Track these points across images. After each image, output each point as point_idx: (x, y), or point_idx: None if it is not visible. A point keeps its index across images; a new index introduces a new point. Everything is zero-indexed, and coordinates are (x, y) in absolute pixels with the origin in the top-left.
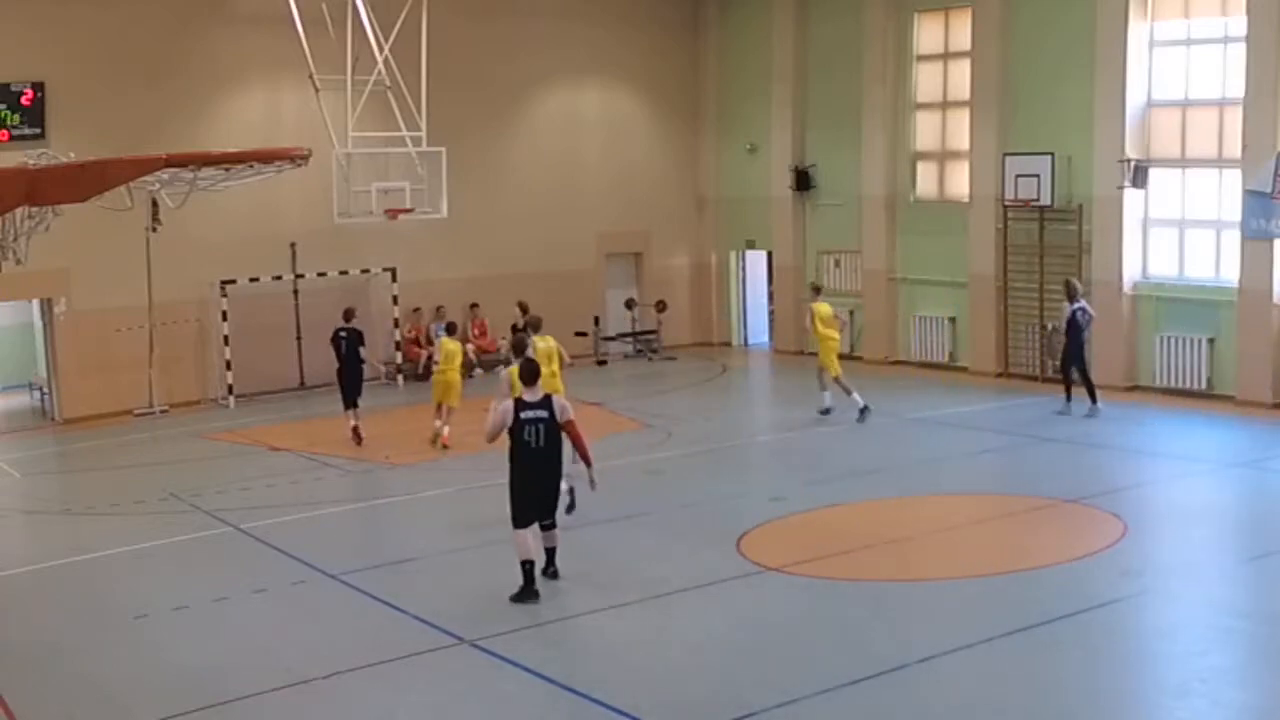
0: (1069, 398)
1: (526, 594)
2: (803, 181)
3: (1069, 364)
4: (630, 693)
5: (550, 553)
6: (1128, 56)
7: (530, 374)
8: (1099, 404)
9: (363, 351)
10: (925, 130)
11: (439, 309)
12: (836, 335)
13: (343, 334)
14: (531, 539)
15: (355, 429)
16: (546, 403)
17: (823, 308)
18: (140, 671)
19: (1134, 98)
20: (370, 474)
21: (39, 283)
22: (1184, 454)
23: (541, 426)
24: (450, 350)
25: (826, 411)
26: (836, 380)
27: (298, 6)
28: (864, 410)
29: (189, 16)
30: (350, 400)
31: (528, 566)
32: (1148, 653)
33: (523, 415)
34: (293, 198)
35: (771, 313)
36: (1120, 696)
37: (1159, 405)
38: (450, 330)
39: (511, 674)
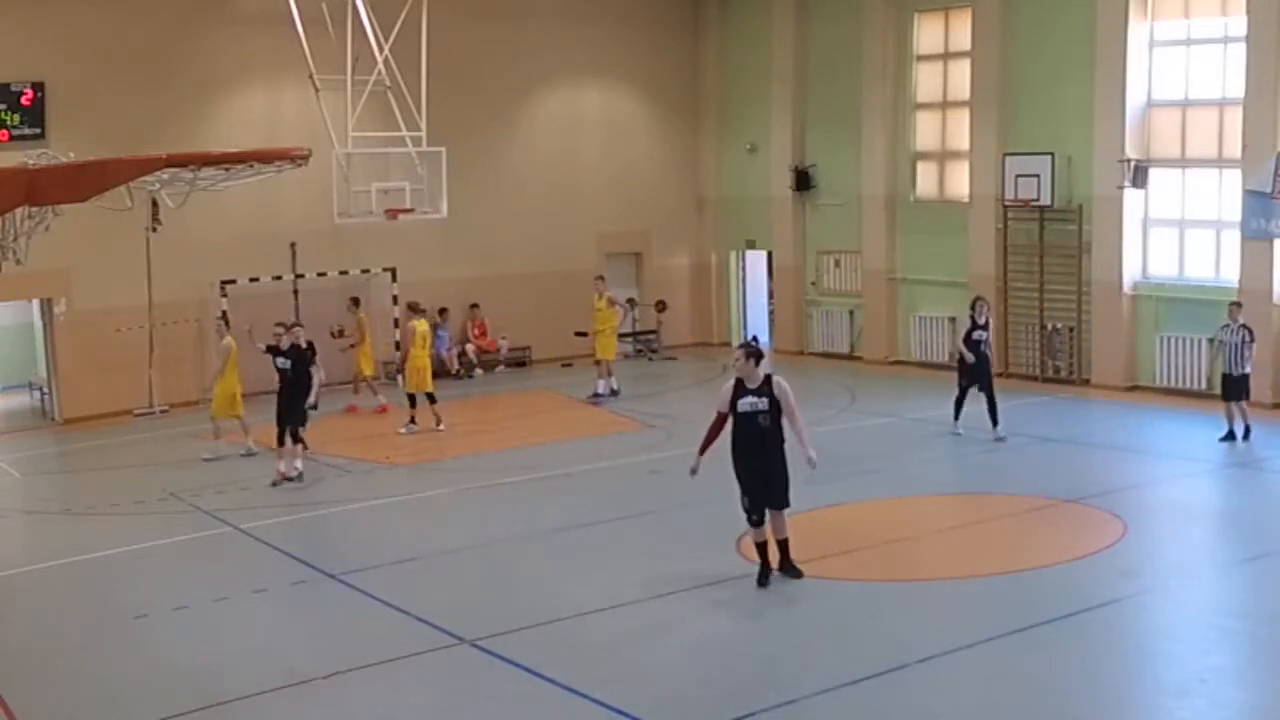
0: (958, 416)
1: (792, 570)
2: (803, 181)
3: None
4: (630, 693)
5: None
6: (1128, 56)
7: (757, 355)
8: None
9: (315, 372)
10: (925, 130)
11: (442, 310)
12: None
13: (281, 362)
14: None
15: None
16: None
17: (421, 325)
18: (140, 671)
19: (1134, 98)
20: (370, 474)
21: (39, 283)
22: (1184, 454)
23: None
24: (424, 331)
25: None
26: (428, 397)
27: (298, 6)
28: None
29: (189, 16)
30: (292, 430)
31: (782, 546)
32: (1148, 653)
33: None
34: (293, 198)
35: (771, 313)
36: (1120, 696)
37: (1159, 405)
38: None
39: (511, 674)
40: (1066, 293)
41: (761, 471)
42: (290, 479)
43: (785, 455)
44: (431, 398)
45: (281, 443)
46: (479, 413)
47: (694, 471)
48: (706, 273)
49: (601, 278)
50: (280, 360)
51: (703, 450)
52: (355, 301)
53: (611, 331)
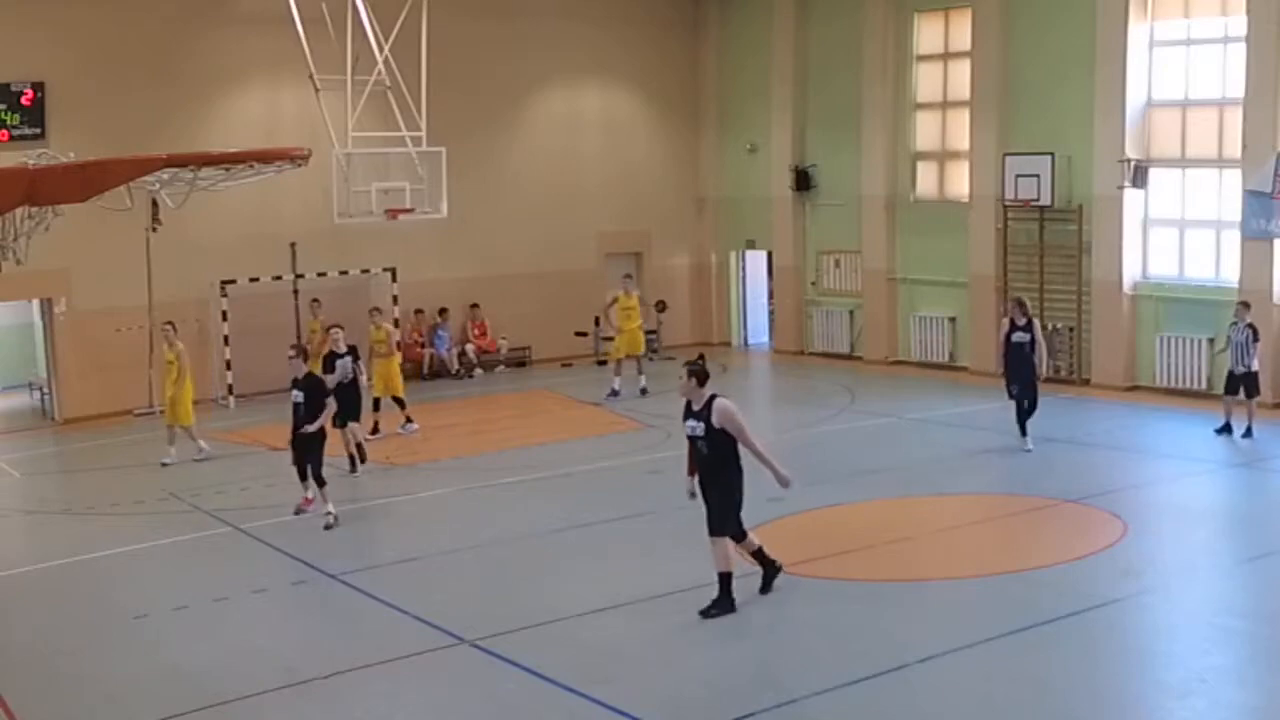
0: (1024, 431)
1: (720, 605)
2: (803, 181)
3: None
4: (630, 693)
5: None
6: (1128, 56)
7: (700, 375)
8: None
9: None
10: (925, 130)
11: (442, 310)
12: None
13: (296, 395)
14: (732, 549)
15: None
16: (705, 411)
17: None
18: (140, 671)
19: (1134, 98)
20: (370, 474)
21: (39, 283)
22: (1184, 454)
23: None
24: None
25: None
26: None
27: (298, 6)
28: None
29: (189, 16)
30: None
31: (722, 578)
32: (1148, 653)
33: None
34: (293, 198)
35: (771, 313)
36: (1120, 696)
37: (1159, 405)
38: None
39: (511, 674)
40: (1066, 293)
41: (707, 497)
42: (331, 525)
43: (731, 481)
44: (376, 404)
45: (308, 483)
46: (479, 413)
47: (692, 495)
48: (706, 273)
49: (630, 276)
50: (295, 393)
51: (691, 472)
52: (317, 302)
53: (639, 328)
